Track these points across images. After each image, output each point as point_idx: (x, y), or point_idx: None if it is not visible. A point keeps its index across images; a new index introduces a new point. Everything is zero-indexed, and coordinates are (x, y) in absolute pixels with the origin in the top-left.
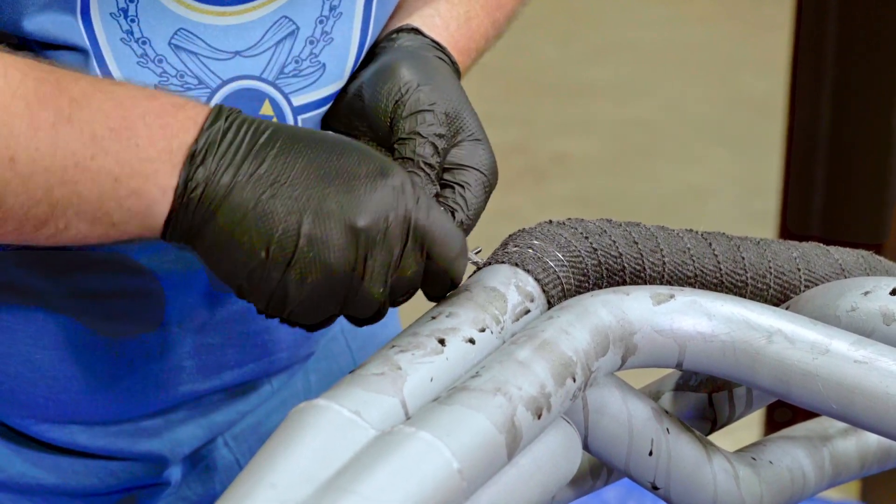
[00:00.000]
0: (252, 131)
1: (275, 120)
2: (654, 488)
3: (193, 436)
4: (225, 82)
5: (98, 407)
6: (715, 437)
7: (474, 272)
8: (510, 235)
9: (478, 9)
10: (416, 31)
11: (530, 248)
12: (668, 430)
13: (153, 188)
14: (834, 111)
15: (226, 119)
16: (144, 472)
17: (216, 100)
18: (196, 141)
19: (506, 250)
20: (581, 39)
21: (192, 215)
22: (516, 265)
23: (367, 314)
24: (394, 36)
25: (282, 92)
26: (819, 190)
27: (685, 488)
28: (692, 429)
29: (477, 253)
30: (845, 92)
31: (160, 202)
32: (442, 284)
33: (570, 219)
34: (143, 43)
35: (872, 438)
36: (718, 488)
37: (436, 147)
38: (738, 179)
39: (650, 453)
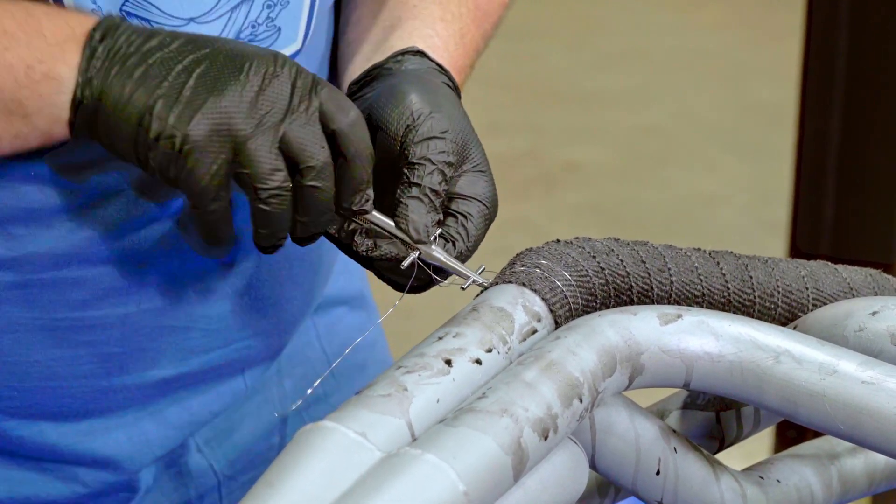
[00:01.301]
0: (146, 29)
1: None
2: None
3: (164, 436)
4: None
5: (63, 396)
6: (725, 450)
7: (481, 292)
8: (517, 255)
9: (469, 23)
10: (422, 54)
11: (538, 267)
12: (675, 449)
13: (62, 67)
14: (844, 120)
15: (122, 19)
16: (115, 478)
17: None
18: (97, 26)
19: (513, 270)
20: (591, 47)
21: (97, 72)
22: (523, 285)
23: (257, 169)
24: (399, 58)
25: None
26: (829, 202)
27: None
28: (700, 448)
29: (481, 272)
30: (855, 100)
31: (68, 79)
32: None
33: (577, 238)
34: (95, 10)
35: (881, 457)
36: None
37: (444, 175)
38: (750, 187)
39: (657, 472)
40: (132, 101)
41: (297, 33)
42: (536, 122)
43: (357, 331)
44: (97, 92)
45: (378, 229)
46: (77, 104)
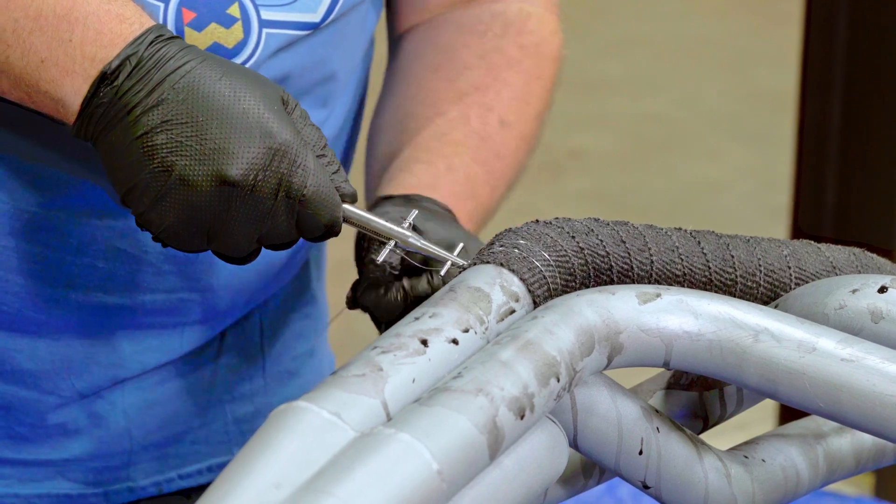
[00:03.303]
0: (167, 63)
1: (238, 23)
2: (645, 487)
3: (88, 370)
4: None
5: (6, 292)
6: (728, 433)
7: (459, 272)
8: (496, 235)
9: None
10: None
11: (516, 247)
12: (658, 428)
13: (68, 86)
14: (844, 106)
15: (150, 44)
16: (25, 393)
17: None
18: (111, 61)
19: (491, 250)
20: (596, 34)
21: (94, 124)
22: (501, 265)
23: (234, 255)
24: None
25: (252, 2)
26: (831, 186)
27: (676, 487)
28: (683, 428)
29: (458, 253)
30: (856, 86)
31: (71, 101)
32: (317, 239)
33: (556, 218)
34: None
35: (867, 436)
36: (710, 487)
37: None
38: (754, 174)
39: (640, 452)
40: (118, 176)
41: (318, 4)
42: None
43: (300, 336)
44: (91, 138)
45: (356, 225)
46: (76, 130)
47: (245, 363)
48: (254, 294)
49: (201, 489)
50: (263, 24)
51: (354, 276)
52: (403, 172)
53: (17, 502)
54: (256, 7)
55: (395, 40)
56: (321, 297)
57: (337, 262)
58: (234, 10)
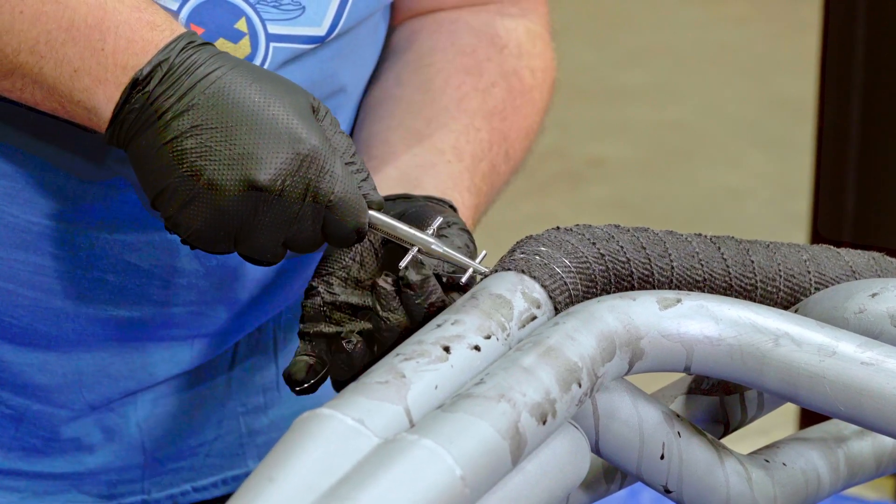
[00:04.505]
0: (198, 70)
1: (246, 38)
2: (667, 492)
3: (99, 382)
4: None
5: (16, 305)
6: (749, 438)
7: (481, 279)
8: (517, 242)
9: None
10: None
11: (537, 254)
12: (679, 433)
13: (101, 94)
14: (863, 112)
15: (182, 50)
16: (38, 407)
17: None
18: (143, 68)
19: (512, 257)
20: (616, 43)
21: (126, 130)
22: (522, 272)
23: (260, 258)
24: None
25: (259, 16)
26: (850, 193)
27: (697, 491)
28: (704, 432)
29: (482, 260)
30: (874, 92)
31: (103, 109)
32: (343, 244)
33: (577, 225)
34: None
35: (888, 439)
36: (731, 491)
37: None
38: (775, 181)
39: (662, 457)
40: (147, 180)
41: (322, 20)
42: (561, 117)
43: None
44: (123, 144)
45: (381, 231)
46: (108, 137)
47: (259, 375)
48: (264, 308)
49: (216, 501)
50: (270, 38)
51: None
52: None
53: None
54: (263, 21)
55: (394, 26)
56: None
57: None
58: (241, 25)
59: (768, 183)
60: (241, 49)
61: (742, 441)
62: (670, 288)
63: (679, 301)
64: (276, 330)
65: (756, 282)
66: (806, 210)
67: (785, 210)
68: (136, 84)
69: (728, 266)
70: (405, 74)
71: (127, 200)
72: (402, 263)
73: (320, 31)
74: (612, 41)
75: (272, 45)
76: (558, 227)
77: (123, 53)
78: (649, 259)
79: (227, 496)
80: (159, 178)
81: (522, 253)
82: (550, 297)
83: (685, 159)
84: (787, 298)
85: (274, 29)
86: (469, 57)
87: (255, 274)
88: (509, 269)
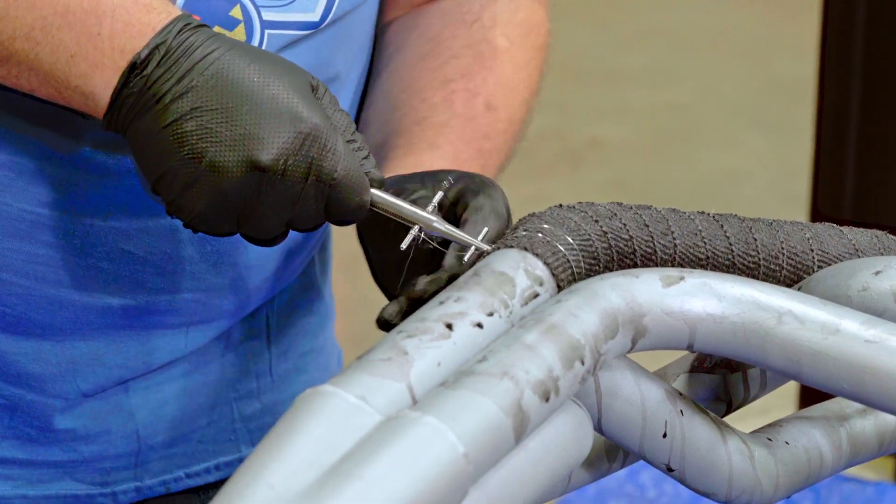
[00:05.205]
0: (195, 51)
1: (241, 25)
2: (669, 470)
3: (93, 371)
4: None
5: (10, 294)
6: (751, 418)
7: (483, 256)
8: (520, 220)
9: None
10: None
11: (540, 232)
12: (681, 411)
13: (98, 79)
14: (863, 93)
15: (178, 33)
16: (32, 397)
17: None
18: (140, 51)
19: (515, 234)
20: (615, 25)
21: (124, 114)
22: (525, 249)
23: (263, 237)
24: None
25: (254, 3)
26: (850, 174)
27: (700, 470)
28: (707, 410)
29: (483, 238)
30: (874, 75)
31: (101, 94)
32: (344, 222)
33: (580, 202)
34: None
35: (891, 418)
36: (734, 469)
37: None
38: (774, 163)
39: (664, 435)
40: (148, 164)
41: (315, 4)
42: (561, 100)
43: (307, 333)
44: (121, 129)
45: (383, 209)
46: (107, 122)
47: (252, 361)
48: (258, 293)
49: (209, 487)
50: (265, 24)
51: (364, 269)
52: (386, 161)
53: (26, 503)
54: (258, 8)
55: (381, 30)
56: (327, 293)
57: (346, 256)
58: (236, 13)
59: (768, 165)
60: (237, 36)
61: (742, 421)
62: (673, 265)
63: (682, 278)
64: (270, 315)
65: (759, 259)
66: (805, 192)
67: (784, 192)
68: (134, 68)
69: (731, 244)
70: (377, 82)
71: (120, 187)
72: (404, 244)
73: (314, 16)
74: (611, 23)
75: (267, 31)
76: (561, 205)
77: (120, 37)
78: (652, 236)
79: (220, 482)
80: (160, 162)
81: (525, 230)
82: (553, 275)
83: (685, 141)
84: (791, 276)
85: (268, 15)
86: (431, 42)
87: (250, 260)
88: (512, 247)
